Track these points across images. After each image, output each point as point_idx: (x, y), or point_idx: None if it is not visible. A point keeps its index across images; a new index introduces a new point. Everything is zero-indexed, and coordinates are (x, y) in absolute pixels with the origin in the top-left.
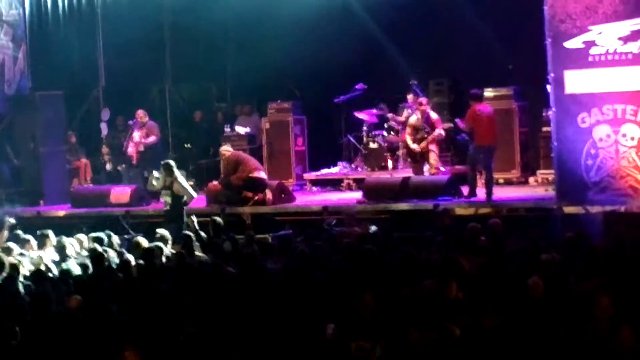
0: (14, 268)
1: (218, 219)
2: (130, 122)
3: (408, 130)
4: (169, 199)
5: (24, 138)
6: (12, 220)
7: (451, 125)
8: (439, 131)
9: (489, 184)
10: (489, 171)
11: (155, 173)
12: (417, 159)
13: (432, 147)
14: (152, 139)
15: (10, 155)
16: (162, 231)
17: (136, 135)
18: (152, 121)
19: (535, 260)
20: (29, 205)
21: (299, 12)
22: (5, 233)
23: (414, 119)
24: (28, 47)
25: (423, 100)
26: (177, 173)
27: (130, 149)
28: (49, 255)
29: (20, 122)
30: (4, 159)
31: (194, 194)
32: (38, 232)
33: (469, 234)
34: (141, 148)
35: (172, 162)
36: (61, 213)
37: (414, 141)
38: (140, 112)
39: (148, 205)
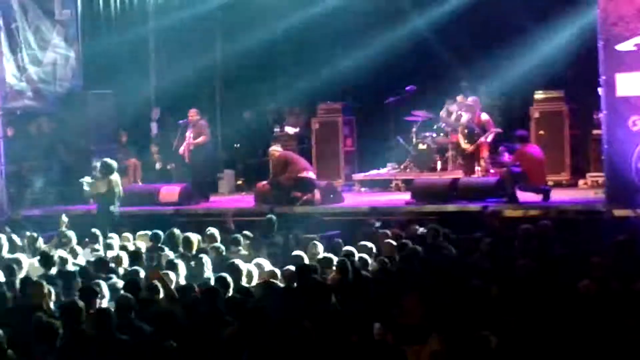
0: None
1: (272, 216)
2: (180, 121)
3: (460, 129)
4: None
5: (75, 137)
6: (65, 219)
7: (500, 130)
8: (490, 135)
9: (535, 191)
10: (530, 188)
11: (88, 178)
12: (468, 159)
13: (483, 148)
14: (201, 139)
15: (61, 154)
16: (213, 230)
17: (188, 134)
18: (203, 120)
19: (585, 263)
20: (79, 203)
21: (350, 14)
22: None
23: (464, 118)
24: (80, 46)
25: (472, 100)
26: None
27: (182, 148)
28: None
29: (71, 120)
30: (55, 157)
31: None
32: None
33: (520, 236)
34: (191, 147)
35: (110, 161)
36: None
37: (466, 142)
38: (192, 111)
39: (197, 204)
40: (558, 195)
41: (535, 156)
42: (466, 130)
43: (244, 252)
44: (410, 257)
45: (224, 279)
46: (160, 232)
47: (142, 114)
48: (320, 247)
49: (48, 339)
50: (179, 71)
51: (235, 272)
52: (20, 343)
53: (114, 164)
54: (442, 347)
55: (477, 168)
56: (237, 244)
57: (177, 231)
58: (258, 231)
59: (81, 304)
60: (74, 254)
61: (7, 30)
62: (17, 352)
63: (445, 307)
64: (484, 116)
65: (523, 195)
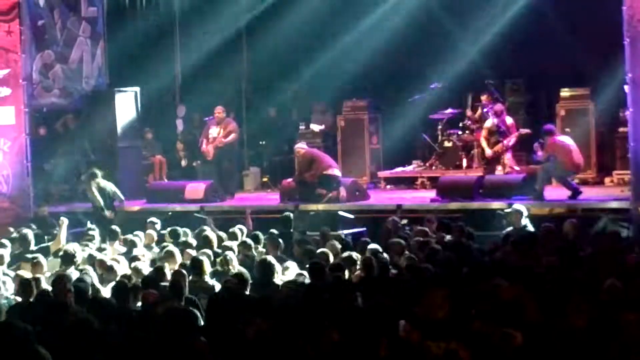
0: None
1: (289, 214)
2: (206, 118)
3: (484, 133)
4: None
5: (101, 133)
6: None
7: (528, 131)
8: (513, 138)
9: (567, 186)
10: (564, 181)
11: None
12: (490, 161)
13: (506, 150)
14: (232, 136)
15: (87, 151)
16: (237, 228)
17: (214, 131)
18: (230, 118)
19: (611, 261)
20: None
21: (375, 12)
22: (63, 233)
23: (489, 123)
24: (106, 44)
25: (498, 107)
26: (96, 183)
27: (205, 145)
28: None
29: (97, 117)
30: (82, 154)
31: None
32: (111, 227)
33: (544, 234)
34: (220, 144)
35: (96, 171)
36: (136, 208)
37: (489, 145)
38: (218, 108)
39: (222, 201)
40: (584, 193)
41: (566, 144)
42: (490, 134)
43: (261, 249)
44: (433, 255)
45: (243, 275)
46: (180, 229)
47: (168, 111)
48: (337, 246)
49: (83, 336)
50: (205, 68)
51: (268, 268)
52: (48, 339)
53: (96, 172)
54: (458, 346)
55: (498, 168)
56: (258, 241)
57: (207, 228)
58: (276, 228)
59: (114, 302)
60: (100, 252)
61: (33, 27)
62: (45, 348)
63: (469, 305)
64: (509, 120)
65: (549, 193)
